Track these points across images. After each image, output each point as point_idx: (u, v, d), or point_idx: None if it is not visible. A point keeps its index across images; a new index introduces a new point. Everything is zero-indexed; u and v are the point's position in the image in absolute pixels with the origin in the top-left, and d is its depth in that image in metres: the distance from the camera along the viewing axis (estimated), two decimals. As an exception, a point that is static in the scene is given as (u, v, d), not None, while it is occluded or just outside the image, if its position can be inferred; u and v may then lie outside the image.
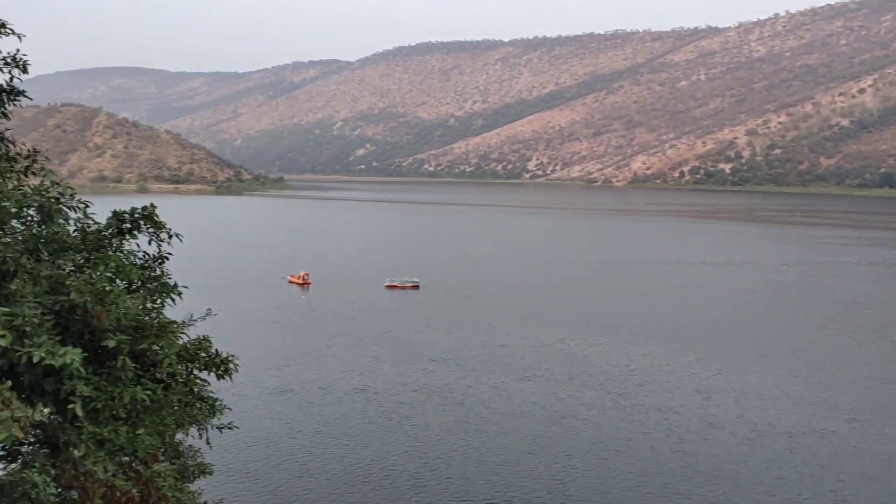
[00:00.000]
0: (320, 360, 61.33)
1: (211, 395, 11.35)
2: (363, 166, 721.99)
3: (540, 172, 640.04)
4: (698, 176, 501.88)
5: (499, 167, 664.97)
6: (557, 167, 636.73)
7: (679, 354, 65.09)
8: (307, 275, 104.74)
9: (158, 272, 11.37)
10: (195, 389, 10.87)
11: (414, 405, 49.70)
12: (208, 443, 13.69)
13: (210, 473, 16.18)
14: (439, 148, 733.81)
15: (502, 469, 38.91)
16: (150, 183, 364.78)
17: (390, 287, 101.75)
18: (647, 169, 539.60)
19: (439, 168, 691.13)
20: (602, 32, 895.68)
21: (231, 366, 11.27)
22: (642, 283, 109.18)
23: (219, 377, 11.22)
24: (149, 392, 9.59)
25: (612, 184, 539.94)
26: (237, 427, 17.24)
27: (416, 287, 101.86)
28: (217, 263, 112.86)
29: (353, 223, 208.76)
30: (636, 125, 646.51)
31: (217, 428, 15.74)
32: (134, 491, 11.43)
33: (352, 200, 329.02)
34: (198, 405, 10.76)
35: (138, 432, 9.75)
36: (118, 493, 11.22)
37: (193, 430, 14.52)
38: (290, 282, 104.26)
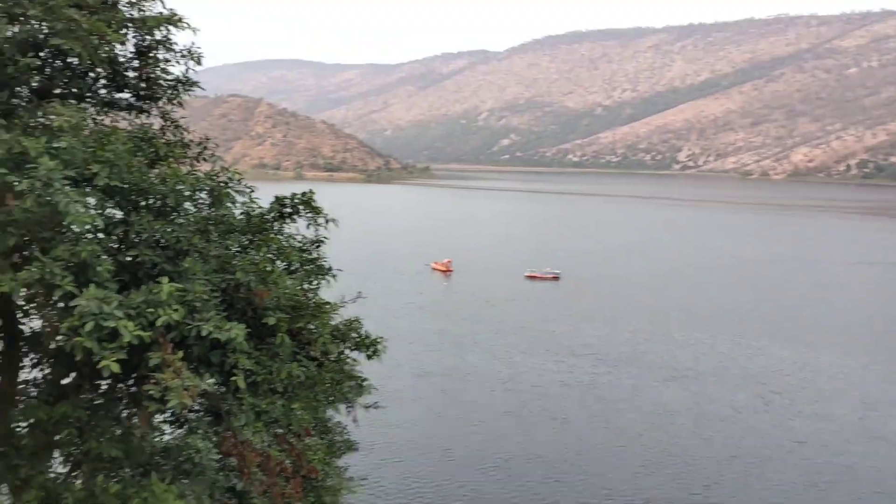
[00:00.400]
0: (462, 346, 62.14)
1: (360, 374, 11.74)
2: (507, 156, 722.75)
3: (691, 164, 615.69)
4: (867, 170, 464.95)
5: (647, 157, 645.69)
6: (710, 158, 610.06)
7: (841, 360, 60.75)
8: (450, 262, 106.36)
9: (315, 255, 11.85)
10: (346, 368, 11.28)
11: (554, 398, 49.36)
12: (355, 420, 14.15)
13: (356, 450, 16.76)
14: (585, 138, 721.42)
15: (643, 469, 37.94)
16: (306, 170, 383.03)
17: (531, 277, 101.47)
18: (810, 161, 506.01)
19: (584, 158, 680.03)
20: (763, 17, 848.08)
21: (380, 347, 11.60)
22: (802, 282, 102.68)
23: (368, 357, 11.57)
24: (304, 368, 10.03)
25: (769, 176, 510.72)
26: (383, 406, 17.79)
27: (556, 278, 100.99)
28: (366, 249, 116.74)
29: (496, 212, 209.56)
30: (798, 115, 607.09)
31: (364, 407, 16.31)
32: (287, 462, 12.06)
33: (495, 190, 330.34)
34: (348, 383, 11.16)
35: (293, 406, 10.25)
36: (273, 463, 11.87)
37: (342, 408, 15.15)
38: (434, 269, 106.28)
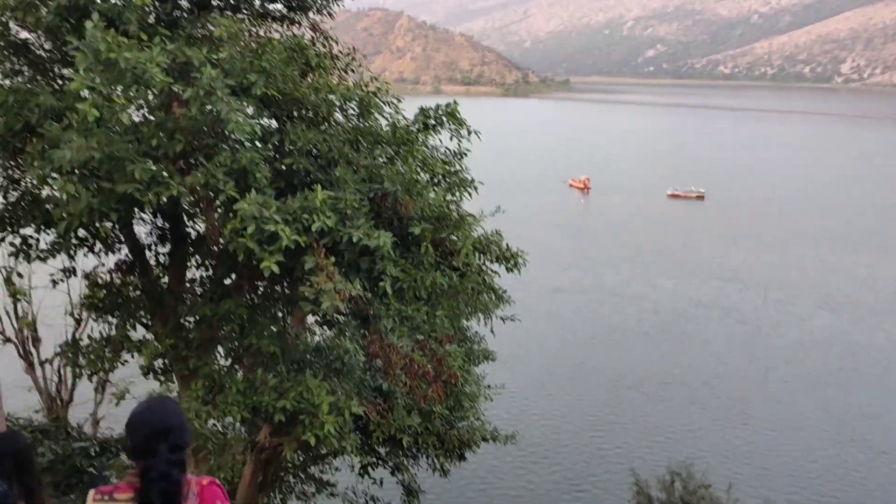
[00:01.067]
0: (599, 265, 61.45)
1: (500, 286, 11.84)
2: (652, 68, 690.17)
3: (855, 77, 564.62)
4: None
5: (806, 70, 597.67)
6: (877, 71, 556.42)
7: None
8: (588, 179, 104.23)
9: (458, 167, 11.90)
10: (486, 279, 11.40)
11: (694, 320, 48.11)
12: (492, 331, 14.37)
13: (493, 360, 17.06)
14: (738, 48, 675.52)
15: (787, 397, 36.62)
16: (444, 85, 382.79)
17: (673, 196, 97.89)
18: None
19: (736, 70, 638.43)
20: None
21: (520, 260, 11.60)
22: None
23: (508, 270, 11.62)
24: (447, 278, 10.23)
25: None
26: (519, 320, 17.98)
27: (700, 198, 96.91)
28: (503, 164, 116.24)
29: (639, 128, 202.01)
30: None
31: (501, 318, 16.55)
32: (429, 366, 12.50)
33: (638, 104, 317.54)
34: (488, 294, 11.29)
35: (437, 313, 10.53)
36: (416, 366, 12.35)
37: (480, 318, 15.43)
38: (571, 186, 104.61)
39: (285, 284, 11.32)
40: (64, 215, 8.72)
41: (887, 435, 32.82)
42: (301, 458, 14.84)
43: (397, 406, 12.80)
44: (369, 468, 14.83)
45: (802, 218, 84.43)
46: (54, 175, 8.83)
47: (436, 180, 11.28)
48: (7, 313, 17.20)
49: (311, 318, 14.72)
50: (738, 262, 63.58)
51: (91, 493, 3.32)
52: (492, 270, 11.51)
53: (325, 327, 14.19)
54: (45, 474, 12.72)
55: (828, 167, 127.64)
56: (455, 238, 10.54)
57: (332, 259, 9.20)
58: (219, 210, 10.00)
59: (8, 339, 17.29)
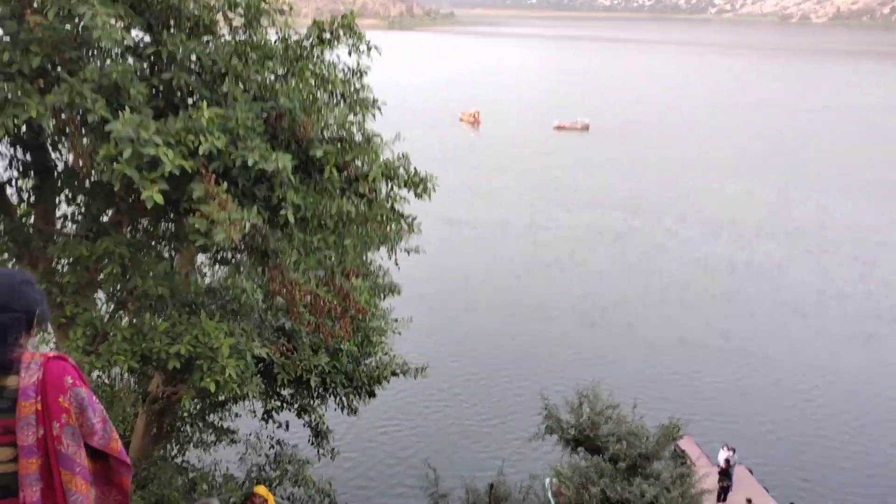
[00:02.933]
0: (491, 196, 61.58)
1: (409, 214, 11.13)
2: (535, 0, 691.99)
3: (728, 7, 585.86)
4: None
5: (681, 1, 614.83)
6: (748, 1, 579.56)
7: (841, 203, 59.50)
8: (478, 113, 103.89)
9: (358, 85, 10.98)
10: (395, 207, 10.66)
11: (586, 248, 49.05)
12: (396, 264, 13.73)
13: (399, 293, 16.50)
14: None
15: (679, 318, 38.03)
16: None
17: (559, 128, 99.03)
18: (853, 3, 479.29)
19: (615, 2, 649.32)
20: None
21: (430, 185, 10.92)
22: (844, 131, 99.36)
23: (417, 196, 10.93)
24: (353, 205, 9.46)
25: (810, 20, 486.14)
26: (424, 251, 17.42)
27: (586, 128, 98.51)
28: (391, 98, 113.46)
29: (524, 61, 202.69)
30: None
31: (406, 251, 15.93)
32: (334, 302, 11.75)
33: (522, 37, 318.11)
34: (397, 222, 10.58)
35: (345, 242, 9.76)
36: (321, 302, 11.58)
37: (382, 251, 14.75)
38: (461, 120, 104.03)
39: (171, 218, 10.22)
40: None
41: (766, 343, 34.78)
42: (198, 407, 13.91)
43: (302, 346, 12.05)
44: (273, 412, 14.09)
45: (684, 146, 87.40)
46: None
47: (335, 100, 10.33)
48: None
49: (200, 259, 13.63)
50: (626, 189, 65.22)
51: None
52: (400, 196, 10.76)
53: (218, 266, 13.16)
54: None
55: (706, 96, 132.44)
56: (361, 162, 9.72)
57: (224, 186, 8.23)
58: (88, 135, 8.77)
59: None
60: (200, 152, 7.85)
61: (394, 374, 14.47)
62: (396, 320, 15.23)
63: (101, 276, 10.12)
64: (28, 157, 10.31)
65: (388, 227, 10.69)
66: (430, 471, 17.51)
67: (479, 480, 18.37)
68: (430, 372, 15.77)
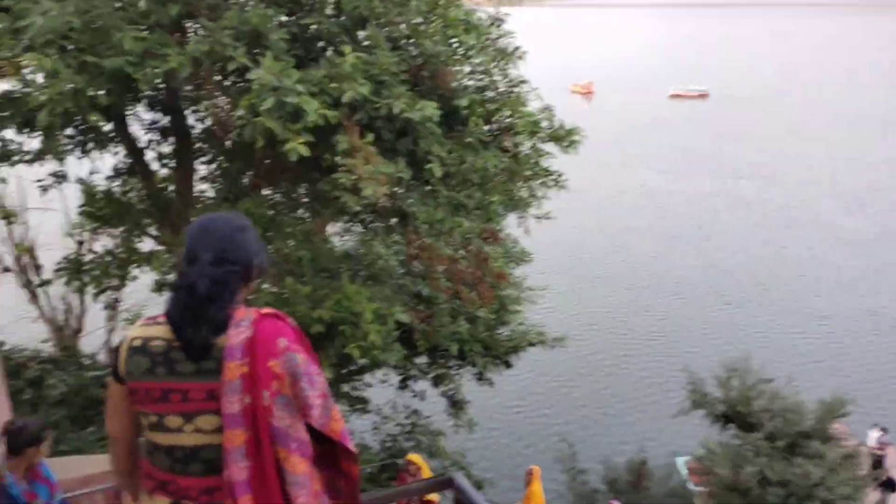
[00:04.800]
0: (608, 168, 59.61)
1: (556, 170, 10.35)
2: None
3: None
4: None
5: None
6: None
7: None
8: (591, 84, 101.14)
9: (498, 34, 10.24)
10: (539, 162, 9.93)
11: (704, 216, 46.52)
12: (527, 231, 12.95)
13: (529, 262, 15.75)
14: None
15: (819, 293, 35.17)
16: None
17: (675, 97, 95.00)
18: None
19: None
20: None
21: (577, 138, 10.12)
22: None
23: (563, 150, 10.17)
24: (503, 160, 8.79)
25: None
26: (555, 217, 16.53)
27: (704, 96, 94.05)
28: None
29: (635, 30, 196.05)
30: None
31: (535, 217, 15.12)
32: (472, 267, 11.18)
33: (633, 6, 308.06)
34: (544, 179, 9.83)
35: (492, 199, 9.12)
36: (458, 268, 11.03)
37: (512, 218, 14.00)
38: (573, 92, 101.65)
39: (310, 179, 9.85)
40: (43, 98, 7.16)
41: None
42: (330, 376, 13.69)
43: (440, 312, 11.52)
44: (408, 381, 13.71)
45: (815, 114, 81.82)
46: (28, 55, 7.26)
47: (479, 46, 9.59)
48: (1, 241, 15.79)
49: (329, 229, 13.31)
50: (749, 158, 61.65)
51: (138, 322, 2.31)
52: (545, 151, 10.01)
53: (352, 234, 12.81)
54: (58, 408, 11.56)
55: (842, 61, 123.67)
56: (507, 112, 9.02)
57: (370, 138, 7.73)
58: (229, 92, 8.47)
59: (7, 269, 15.91)
60: (344, 100, 7.36)
61: (530, 344, 13.80)
62: (531, 289, 14.48)
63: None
64: (166, 120, 10.21)
65: (534, 184, 9.92)
66: (566, 445, 16.77)
67: (618, 456, 17.48)
68: (564, 343, 15.01)
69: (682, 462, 19.44)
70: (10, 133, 9.52)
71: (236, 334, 2.19)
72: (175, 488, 2.23)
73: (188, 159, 10.17)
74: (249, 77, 7.04)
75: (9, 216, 14.49)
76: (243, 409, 2.16)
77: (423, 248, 10.34)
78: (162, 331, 2.23)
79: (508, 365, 13.59)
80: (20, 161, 8.89)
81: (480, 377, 13.59)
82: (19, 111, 8.77)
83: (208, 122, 9.77)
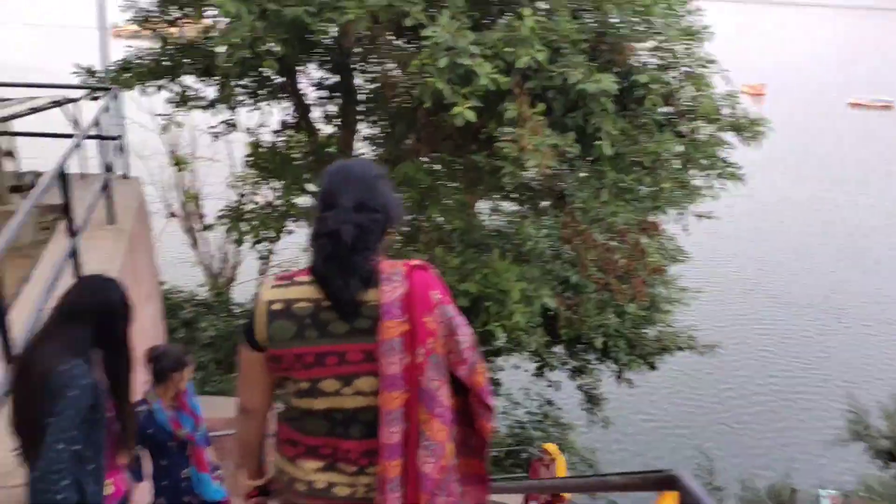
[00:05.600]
0: (781, 174, 56.00)
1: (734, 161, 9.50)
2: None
3: None
4: None
5: None
6: None
7: None
8: (762, 86, 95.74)
9: (684, 12, 9.48)
10: (718, 151, 9.15)
11: (886, 238, 42.67)
12: (685, 229, 12.08)
13: (683, 261, 14.76)
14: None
15: None
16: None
17: (855, 105, 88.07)
18: None
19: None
20: None
21: (761, 129, 9.27)
22: None
23: (745, 141, 9.35)
24: (679, 145, 8.15)
25: None
26: (717, 217, 15.47)
27: (887, 107, 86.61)
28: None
29: (815, 32, 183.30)
30: None
31: (696, 216, 14.18)
32: (624, 260, 10.58)
33: (814, 6, 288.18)
34: (721, 169, 9.04)
35: (663, 185, 8.49)
36: (612, 258, 10.47)
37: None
38: (743, 92, 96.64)
39: (471, 150, 9.57)
40: (223, 46, 7.27)
41: None
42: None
43: (587, 302, 10.98)
44: (545, 369, 13.28)
45: None
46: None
47: (666, 20, 8.87)
48: (172, 187, 16.71)
49: (479, 205, 13.02)
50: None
51: (269, 280, 2.11)
52: (723, 140, 9.22)
53: (497, 212, 12.45)
54: (206, 350, 12.05)
55: None
56: (688, 93, 8.34)
57: (542, 107, 7.33)
58: (396, 53, 8.32)
59: (173, 214, 16.84)
60: (518, 65, 6.99)
61: (679, 348, 13.00)
62: (683, 290, 13.58)
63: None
64: (335, 80, 10.24)
65: (711, 174, 9.15)
66: (704, 458, 15.77)
67: (759, 479, 16.26)
68: (714, 352, 14.06)
69: (824, 494, 17.91)
70: (189, 80, 9.90)
71: (391, 290, 2.02)
72: (329, 451, 2.10)
73: (352, 119, 10.17)
74: (424, 34, 6.81)
75: (180, 163, 15.26)
76: (402, 369, 2.02)
77: (577, 234, 9.85)
78: (305, 291, 2.03)
79: (653, 367, 12.87)
80: (196, 107, 9.15)
81: (619, 375, 12.95)
82: (201, 59, 9.05)
83: (376, 83, 9.71)
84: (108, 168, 5.57)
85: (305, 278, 2.04)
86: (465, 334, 2.12)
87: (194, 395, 3.91)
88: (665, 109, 8.56)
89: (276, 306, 2.03)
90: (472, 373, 2.15)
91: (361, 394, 2.03)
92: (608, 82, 7.20)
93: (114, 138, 6.55)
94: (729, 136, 9.30)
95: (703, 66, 8.38)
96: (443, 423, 2.06)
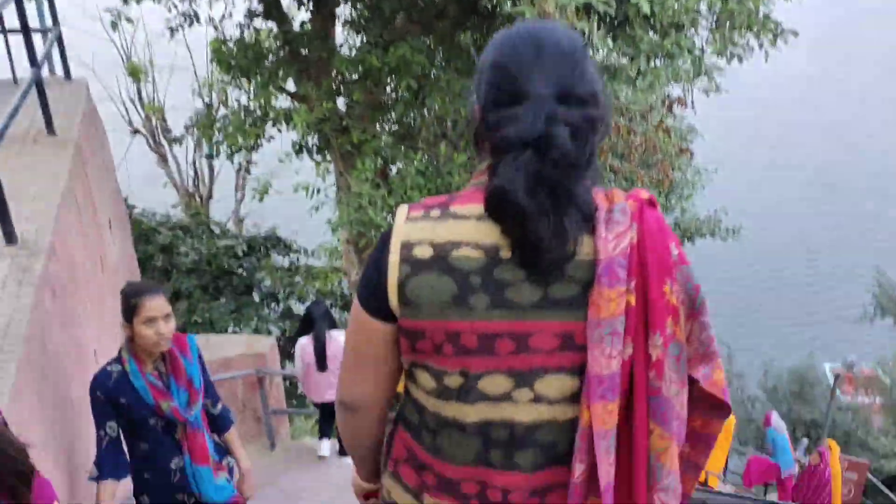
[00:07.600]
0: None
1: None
2: None
3: None
4: None
5: None
6: None
7: None
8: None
9: None
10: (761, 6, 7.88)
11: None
12: (692, 107, 10.97)
13: (703, 138, 13.66)
14: None
15: None
16: None
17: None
18: None
19: None
20: None
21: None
22: None
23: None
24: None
25: None
26: (726, 91, 14.27)
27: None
28: None
29: None
30: None
31: (704, 91, 12.98)
32: (654, 138, 9.56)
33: None
34: (762, 26, 7.81)
35: (702, 47, 7.30)
36: (634, 142, 9.42)
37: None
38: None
39: (473, 24, 8.25)
40: None
41: None
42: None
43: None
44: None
45: None
46: None
47: None
48: (132, 101, 15.18)
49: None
50: None
51: (404, 209, 1.28)
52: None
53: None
54: (189, 276, 10.95)
55: None
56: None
57: (564, -42, 6.03)
58: None
59: (136, 131, 15.38)
60: None
61: (701, 235, 12.10)
62: (701, 171, 12.55)
63: (389, 95, 8.58)
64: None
65: (752, 34, 7.93)
66: (723, 346, 15.25)
67: (783, 361, 15.74)
68: (737, 236, 13.18)
69: (828, 368, 17.47)
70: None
71: (614, 237, 1.20)
72: (476, 489, 1.31)
73: (329, 0, 8.74)
74: None
75: (136, 73, 13.73)
76: (622, 365, 1.21)
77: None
78: (471, 230, 1.22)
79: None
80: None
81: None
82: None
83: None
84: (36, 63, 4.26)
85: (471, 209, 1.23)
86: (709, 312, 1.29)
87: (198, 357, 2.80)
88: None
89: (422, 252, 1.23)
90: (711, 371, 1.31)
91: (543, 401, 1.24)
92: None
93: (43, 31, 5.25)
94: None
95: None
96: (678, 443, 1.27)
